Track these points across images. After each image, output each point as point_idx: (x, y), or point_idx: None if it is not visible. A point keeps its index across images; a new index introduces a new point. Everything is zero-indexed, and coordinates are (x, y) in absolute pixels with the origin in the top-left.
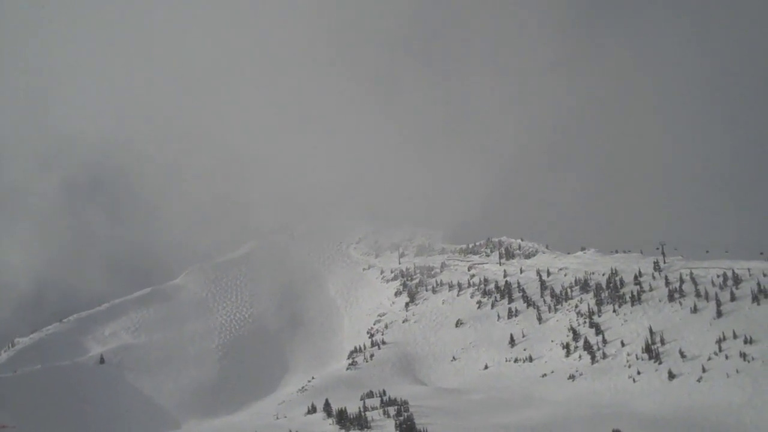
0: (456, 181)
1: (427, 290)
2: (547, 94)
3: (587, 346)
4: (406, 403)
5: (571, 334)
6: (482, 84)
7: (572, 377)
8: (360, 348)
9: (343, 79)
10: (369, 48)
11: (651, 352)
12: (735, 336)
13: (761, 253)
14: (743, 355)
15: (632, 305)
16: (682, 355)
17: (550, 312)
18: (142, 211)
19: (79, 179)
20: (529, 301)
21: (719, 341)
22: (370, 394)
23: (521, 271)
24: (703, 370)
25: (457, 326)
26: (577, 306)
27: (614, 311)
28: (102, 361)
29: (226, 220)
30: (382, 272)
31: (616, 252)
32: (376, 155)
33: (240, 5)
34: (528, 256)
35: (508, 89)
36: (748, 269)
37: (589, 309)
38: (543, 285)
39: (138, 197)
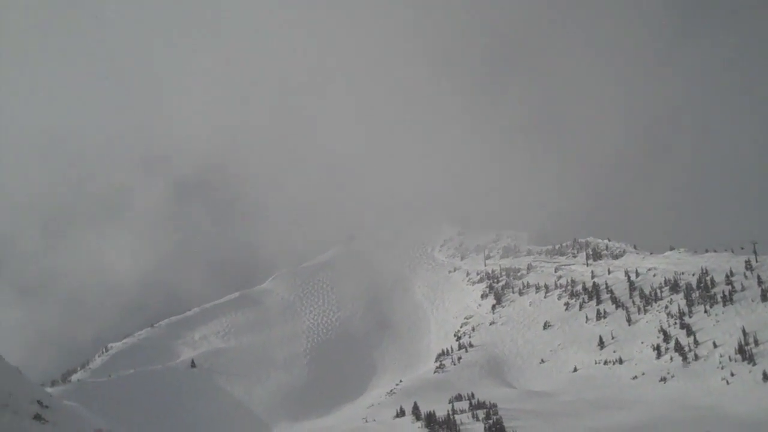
0: (544, 182)
1: (513, 292)
2: (642, 93)
3: (678, 348)
4: (494, 406)
5: (661, 336)
6: (577, 86)
7: (663, 379)
8: (447, 351)
9: (437, 84)
10: (465, 52)
11: (744, 353)
12: None
13: None
14: None
15: (724, 305)
16: None
17: (639, 313)
18: (244, 213)
19: (186, 181)
20: (617, 303)
21: None
22: (459, 397)
23: (609, 272)
24: None
25: (544, 328)
26: (667, 307)
27: (705, 312)
28: (193, 365)
29: (318, 222)
30: (467, 274)
31: (706, 251)
32: (466, 158)
33: (339, 13)
34: (615, 257)
35: (604, 90)
36: None
37: (679, 310)
38: (631, 286)
39: (241, 200)
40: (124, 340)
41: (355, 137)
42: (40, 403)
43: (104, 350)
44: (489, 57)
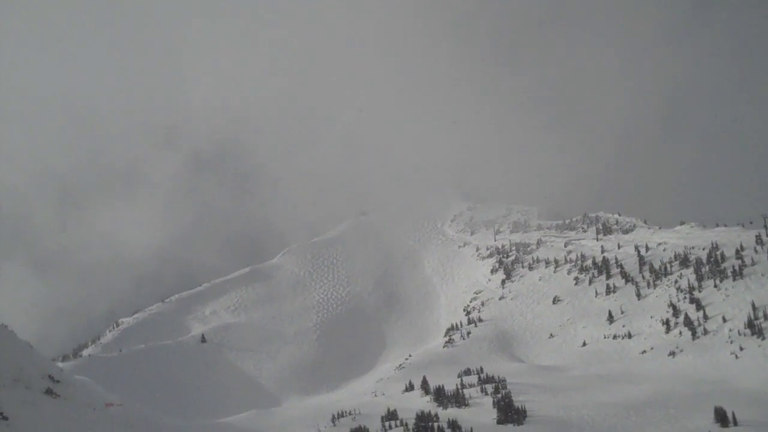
0: (555, 157)
1: (523, 267)
2: (657, 68)
3: (687, 322)
4: (503, 380)
5: (670, 310)
6: (590, 60)
7: (672, 354)
8: (456, 325)
9: (450, 58)
10: (478, 26)
11: (754, 327)
12: None
13: None
14: None
15: (734, 280)
16: None
17: (648, 288)
18: (259, 186)
19: (201, 154)
20: (627, 277)
21: None
22: (468, 372)
23: (619, 247)
24: None
25: (554, 303)
26: (676, 281)
27: (715, 286)
28: (203, 340)
29: (330, 197)
30: (477, 249)
31: (717, 226)
32: (478, 133)
33: None
34: (625, 232)
35: (618, 64)
36: None
37: (689, 284)
38: (641, 260)
39: (256, 173)
40: (135, 315)
41: (370, 111)
42: (51, 377)
43: (115, 325)
44: (502, 31)
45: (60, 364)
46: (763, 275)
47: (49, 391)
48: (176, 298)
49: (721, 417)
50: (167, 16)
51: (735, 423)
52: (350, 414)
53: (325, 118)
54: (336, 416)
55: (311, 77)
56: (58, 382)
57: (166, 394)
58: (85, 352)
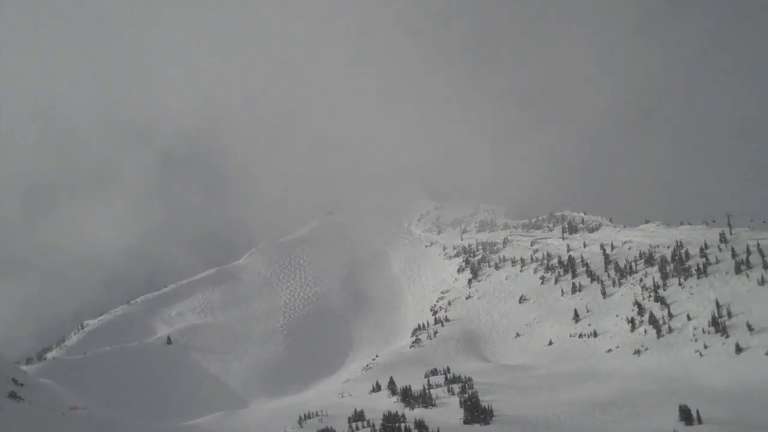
0: (522, 156)
1: (489, 266)
2: (626, 68)
3: (653, 320)
4: (470, 380)
5: (636, 309)
6: (562, 61)
7: (638, 352)
8: (423, 325)
9: (422, 60)
10: (451, 27)
11: (718, 325)
12: None
13: None
14: None
15: (698, 278)
16: (750, 328)
17: (614, 286)
18: (230, 186)
19: (173, 154)
20: (592, 276)
21: None
22: (435, 372)
23: (584, 246)
24: None
25: (520, 302)
26: (641, 280)
27: (680, 284)
28: (169, 341)
29: (300, 197)
30: (444, 249)
31: (681, 224)
32: (446, 133)
33: None
34: (591, 230)
35: (587, 64)
36: None
37: (654, 283)
38: (607, 259)
39: (227, 173)
40: (100, 318)
41: (341, 111)
42: (15, 381)
43: (80, 327)
44: (474, 33)
45: (24, 368)
46: (727, 273)
47: (12, 395)
48: (142, 300)
49: (685, 415)
50: (137, 15)
51: (699, 421)
52: (317, 415)
53: (298, 117)
54: (303, 417)
55: (284, 77)
56: (21, 385)
57: (132, 396)
58: (50, 355)
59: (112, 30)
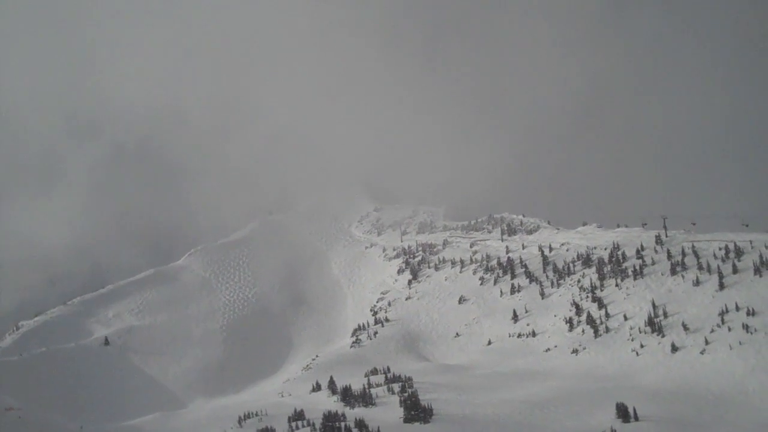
0: (462, 158)
1: (429, 267)
2: (567, 69)
3: (590, 321)
4: (410, 379)
5: (573, 309)
6: (503, 62)
7: (575, 351)
8: (363, 326)
9: (369, 60)
10: (397, 29)
11: (654, 325)
12: (737, 308)
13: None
14: (746, 327)
15: (635, 279)
16: (685, 327)
17: (552, 287)
18: (179, 184)
19: (122, 150)
20: (531, 277)
21: (722, 313)
22: (375, 371)
23: (523, 247)
24: (706, 343)
25: (460, 303)
26: (579, 281)
27: (617, 285)
28: (106, 343)
29: (244, 197)
30: (384, 250)
31: (618, 226)
32: (388, 134)
33: None
34: (530, 232)
35: (528, 66)
36: (750, 241)
37: (591, 283)
38: (545, 260)
39: (178, 171)
40: (35, 318)
41: (289, 112)
42: None
43: (15, 329)
44: (419, 39)
45: None
46: (662, 274)
47: None
48: (79, 301)
49: (622, 413)
50: (84, 6)
51: (636, 418)
52: (257, 415)
53: (246, 116)
54: (242, 417)
55: (237, 77)
56: None
57: (69, 398)
58: None
59: (60, 18)
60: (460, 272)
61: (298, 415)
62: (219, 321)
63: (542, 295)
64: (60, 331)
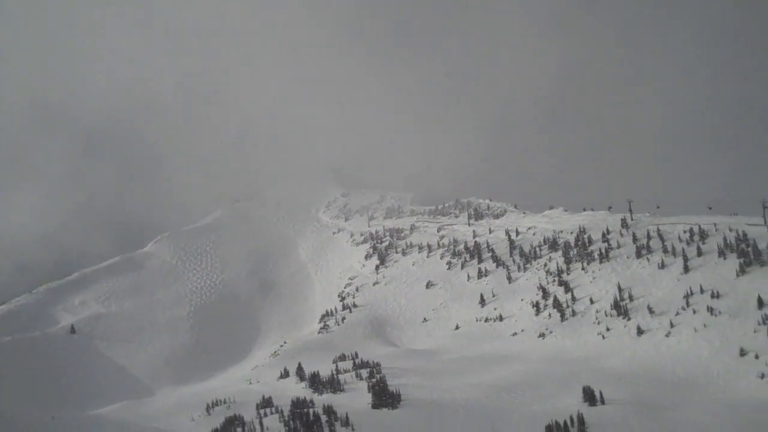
0: (431, 143)
1: (397, 252)
2: (529, 59)
3: (557, 304)
4: (378, 365)
5: (540, 293)
6: (474, 47)
7: (542, 335)
8: (331, 311)
9: (344, 46)
10: (371, 16)
11: (620, 308)
12: (702, 291)
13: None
14: (710, 310)
15: (600, 263)
16: (651, 310)
17: (519, 271)
18: (149, 170)
19: (94, 136)
20: (498, 261)
21: (687, 296)
22: (343, 357)
23: (490, 231)
24: (671, 325)
25: (427, 287)
26: (546, 265)
27: (583, 269)
28: (73, 331)
29: (213, 183)
30: (351, 235)
31: (584, 210)
32: (356, 119)
33: None
34: (497, 216)
35: (500, 51)
36: (714, 224)
37: (558, 267)
38: (512, 244)
39: (146, 157)
40: (0, 307)
41: (259, 100)
42: None
43: None
44: (390, 27)
45: None
46: (628, 257)
47: None
48: (44, 289)
49: (589, 396)
50: None
51: (602, 402)
52: (225, 402)
53: (217, 105)
54: (210, 405)
55: (209, 65)
56: None
57: (35, 387)
58: None
59: (27, 5)
60: (428, 257)
61: (266, 402)
62: (186, 308)
63: (509, 279)
64: (26, 320)
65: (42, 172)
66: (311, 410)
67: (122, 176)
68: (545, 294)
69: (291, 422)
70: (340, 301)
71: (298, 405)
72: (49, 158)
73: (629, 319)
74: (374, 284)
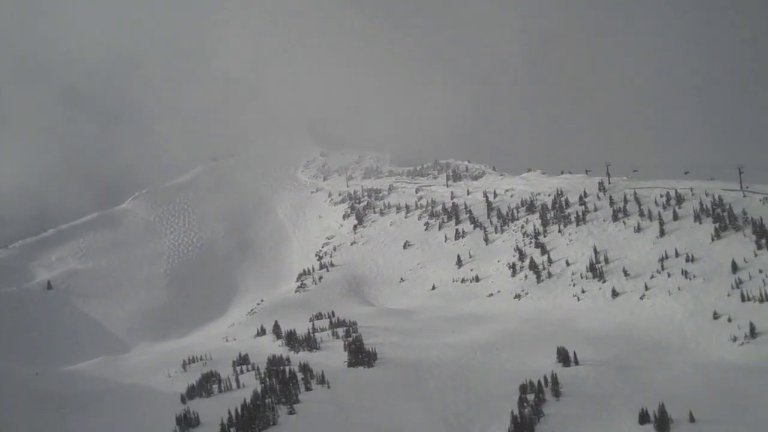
0: (409, 104)
1: (375, 213)
2: (511, 23)
3: (533, 266)
4: (354, 323)
5: (517, 255)
6: (458, 8)
7: (518, 296)
8: (309, 270)
9: (322, 9)
10: None
11: (595, 271)
12: (677, 254)
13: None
14: (685, 273)
15: (577, 225)
16: (626, 273)
17: (496, 233)
18: (127, 126)
19: (75, 90)
20: (476, 223)
21: (662, 259)
22: (319, 316)
23: (468, 193)
24: (646, 288)
25: (404, 248)
26: (523, 227)
27: (559, 231)
28: (49, 286)
29: (193, 140)
30: (330, 195)
31: (562, 173)
32: (336, 80)
33: None
34: (475, 178)
35: (473, 20)
36: (691, 189)
37: (534, 229)
38: (490, 206)
39: (127, 113)
40: None
41: (244, 59)
42: None
43: None
44: None
45: None
46: (604, 220)
47: None
48: (21, 244)
49: (563, 357)
50: None
51: (576, 362)
52: (201, 359)
53: (200, 61)
54: (187, 362)
55: (189, 21)
56: None
57: (11, 342)
58: None
59: None
60: (406, 217)
61: (243, 360)
62: (163, 265)
63: (486, 240)
64: (1, 275)
65: (21, 125)
66: (287, 368)
67: (103, 131)
68: (522, 256)
69: (267, 379)
70: (318, 260)
71: (275, 363)
72: (28, 111)
73: (604, 282)
74: (352, 244)
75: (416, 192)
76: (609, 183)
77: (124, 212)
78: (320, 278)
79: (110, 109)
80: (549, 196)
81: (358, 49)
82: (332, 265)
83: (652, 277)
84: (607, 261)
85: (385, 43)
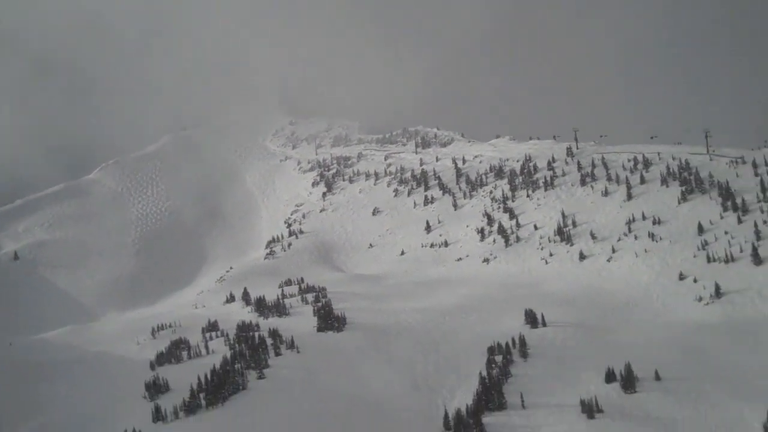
0: (377, 71)
1: (344, 180)
2: None
3: (501, 231)
4: (324, 289)
5: (485, 220)
6: None
7: (487, 260)
8: (278, 238)
9: None
10: None
11: (563, 234)
12: (644, 217)
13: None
14: (651, 236)
15: (545, 190)
16: (593, 236)
17: (465, 198)
18: (97, 95)
19: (38, 61)
20: (444, 189)
21: (629, 222)
22: (289, 282)
23: (437, 160)
24: (613, 251)
25: (374, 214)
26: (491, 192)
27: (528, 196)
28: (16, 257)
29: (161, 109)
30: (299, 163)
31: (530, 139)
32: (305, 47)
33: None
34: (444, 145)
35: None
36: (658, 153)
37: (503, 195)
38: (458, 172)
39: (95, 82)
40: None
41: (213, 28)
42: None
43: None
44: None
45: None
46: (572, 185)
47: None
48: None
49: (531, 319)
50: None
51: (544, 324)
52: (170, 326)
53: (168, 31)
54: (156, 329)
55: None
56: None
57: None
58: None
59: None
60: (375, 184)
61: (212, 326)
62: (132, 234)
63: (455, 206)
64: None
65: None
66: (257, 333)
67: (71, 101)
68: (490, 221)
69: (236, 345)
70: (287, 227)
71: (244, 329)
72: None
73: (572, 245)
74: (321, 211)
75: (385, 159)
76: (577, 148)
77: (92, 182)
78: (289, 245)
79: (78, 78)
80: (517, 161)
81: (327, 18)
82: (301, 232)
83: (619, 239)
84: (575, 225)
85: (354, 10)
